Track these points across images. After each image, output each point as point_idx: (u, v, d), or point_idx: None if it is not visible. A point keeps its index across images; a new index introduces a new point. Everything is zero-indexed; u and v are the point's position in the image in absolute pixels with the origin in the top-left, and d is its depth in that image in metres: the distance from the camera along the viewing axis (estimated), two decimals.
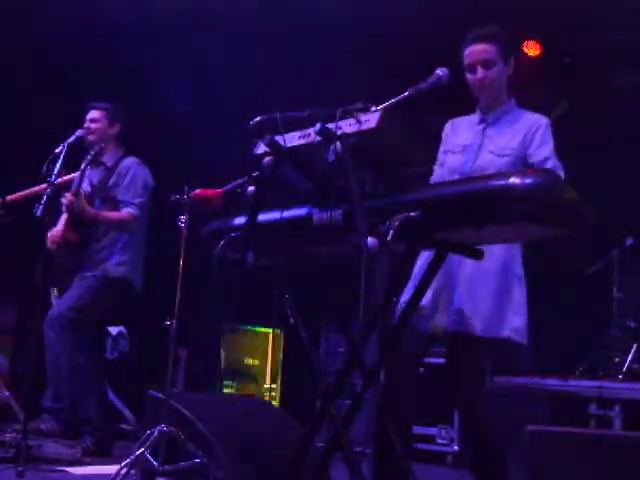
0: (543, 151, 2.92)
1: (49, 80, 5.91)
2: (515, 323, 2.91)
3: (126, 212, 4.59)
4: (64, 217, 4.58)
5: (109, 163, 4.74)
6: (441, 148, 3.15)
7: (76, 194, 4.45)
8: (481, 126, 3.07)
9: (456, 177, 2.98)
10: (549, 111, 3.40)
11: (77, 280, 4.59)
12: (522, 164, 2.94)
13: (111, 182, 4.68)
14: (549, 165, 2.86)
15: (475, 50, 3.01)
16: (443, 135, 3.18)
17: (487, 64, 2.99)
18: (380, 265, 2.34)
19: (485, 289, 2.90)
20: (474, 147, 3.03)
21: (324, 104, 2.58)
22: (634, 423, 4.26)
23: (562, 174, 2.81)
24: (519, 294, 2.95)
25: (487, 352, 2.96)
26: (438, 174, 3.09)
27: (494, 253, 2.82)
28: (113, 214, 4.61)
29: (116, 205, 4.63)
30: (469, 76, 3.02)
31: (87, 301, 4.53)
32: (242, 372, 6.43)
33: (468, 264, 2.84)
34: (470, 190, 2.36)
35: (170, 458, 3.38)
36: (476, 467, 3.00)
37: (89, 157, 4.49)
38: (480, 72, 2.99)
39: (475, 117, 3.12)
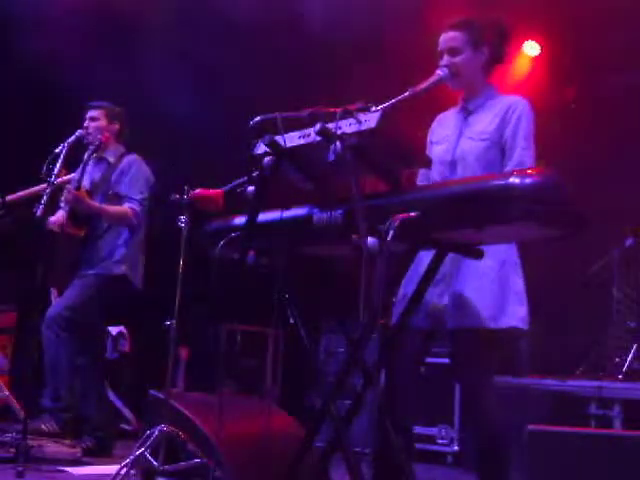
0: (519, 146, 2.91)
1: (49, 80, 5.91)
2: (519, 312, 2.89)
3: (128, 207, 4.63)
4: (61, 211, 4.60)
5: (111, 160, 4.77)
6: (428, 141, 3.18)
7: (78, 188, 4.47)
8: (462, 115, 3.10)
9: (440, 167, 3.01)
10: None
11: (76, 280, 4.60)
12: (499, 148, 2.95)
13: (113, 178, 4.72)
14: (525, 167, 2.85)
15: (444, 38, 3.05)
16: (430, 130, 3.21)
17: (452, 51, 3.01)
18: (380, 265, 2.34)
19: (485, 280, 2.87)
20: (455, 135, 3.05)
21: (324, 104, 2.58)
22: (634, 423, 4.25)
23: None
24: (518, 282, 2.93)
25: (494, 344, 2.92)
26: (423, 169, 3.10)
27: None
28: (115, 208, 4.64)
29: (118, 200, 4.66)
30: (440, 63, 3.05)
31: (85, 300, 4.53)
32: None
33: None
34: (470, 190, 2.36)
35: (170, 458, 3.38)
36: (479, 467, 2.98)
37: (91, 148, 4.51)
38: (445, 59, 3.02)
39: (458, 107, 3.14)
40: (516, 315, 2.89)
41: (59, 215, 4.60)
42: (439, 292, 2.91)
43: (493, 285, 2.88)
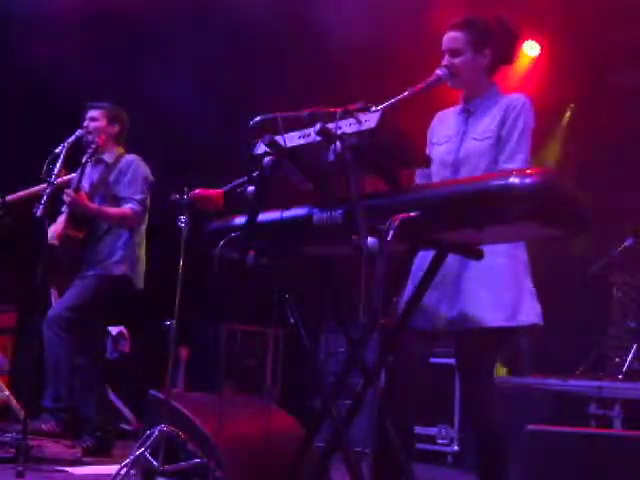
0: (513, 140, 2.89)
1: (49, 80, 5.91)
2: (536, 308, 2.89)
3: (128, 208, 4.61)
4: (63, 216, 4.60)
5: (109, 161, 4.75)
6: (428, 141, 3.16)
7: (77, 190, 4.46)
8: (464, 115, 3.07)
9: (442, 168, 3.00)
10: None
11: (77, 280, 4.60)
12: (500, 145, 2.93)
13: (112, 179, 4.69)
14: (517, 163, 2.85)
15: (446, 37, 3.03)
16: (429, 129, 3.19)
17: (453, 52, 3.00)
18: (380, 265, 2.34)
19: (500, 279, 2.86)
20: (458, 136, 3.03)
21: (324, 104, 2.58)
22: (634, 423, 4.26)
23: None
24: (527, 280, 2.92)
25: (507, 341, 2.93)
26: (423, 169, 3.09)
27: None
28: (115, 210, 4.62)
29: (117, 202, 4.64)
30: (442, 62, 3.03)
31: (86, 301, 4.53)
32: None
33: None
34: (470, 190, 2.36)
35: (170, 458, 3.39)
36: (479, 467, 2.97)
37: (89, 152, 4.50)
38: (446, 59, 3.01)
39: (458, 107, 3.12)
40: (534, 312, 2.88)
41: (58, 224, 4.59)
42: (438, 295, 2.90)
43: (509, 283, 2.87)
